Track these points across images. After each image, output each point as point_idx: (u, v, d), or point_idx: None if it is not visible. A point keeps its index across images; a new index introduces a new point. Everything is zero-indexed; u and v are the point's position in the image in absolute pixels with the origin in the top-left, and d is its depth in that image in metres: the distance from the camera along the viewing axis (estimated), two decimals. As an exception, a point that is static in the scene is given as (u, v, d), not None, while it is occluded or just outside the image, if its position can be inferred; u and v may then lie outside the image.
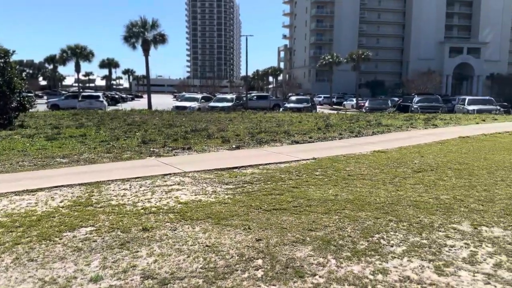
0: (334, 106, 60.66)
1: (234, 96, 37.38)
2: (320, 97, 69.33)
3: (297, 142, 11.45)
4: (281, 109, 35.96)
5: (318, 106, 48.98)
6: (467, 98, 31.31)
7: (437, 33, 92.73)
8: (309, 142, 11.57)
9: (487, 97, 33.42)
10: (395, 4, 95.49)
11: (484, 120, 18.34)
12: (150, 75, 43.94)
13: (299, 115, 22.22)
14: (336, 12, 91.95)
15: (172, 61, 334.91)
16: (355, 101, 56.67)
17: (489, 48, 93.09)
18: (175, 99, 66.68)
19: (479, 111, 26.61)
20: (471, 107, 28.08)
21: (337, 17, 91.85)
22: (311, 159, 8.61)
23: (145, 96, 45.16)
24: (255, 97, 45.26)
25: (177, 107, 30.15)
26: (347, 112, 28.87)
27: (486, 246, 4.03)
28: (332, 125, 15.78)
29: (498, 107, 29.29)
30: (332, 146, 10.78)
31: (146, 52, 38.49)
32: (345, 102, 61.85)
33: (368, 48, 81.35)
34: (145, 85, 61.07)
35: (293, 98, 37.80)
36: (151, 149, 10.04)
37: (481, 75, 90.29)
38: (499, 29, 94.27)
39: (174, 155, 9.36)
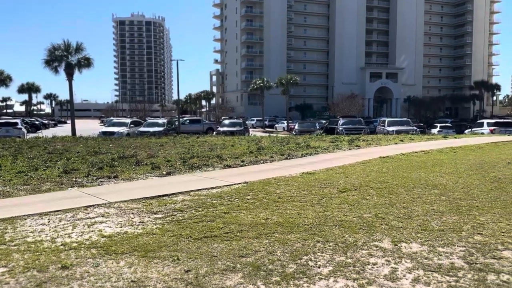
0: (266, 129, 61.96)
1: (165, 121, 36.73)
2: (253, 120, 70.60)
3: (229, 166, 11.46)
4: (214, 133, 35.98)
5: (251, 129, 49.69)
6: (387, 120, 33.51)
7: (358, 59, 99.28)
8: (242, 166, 11.64)
9: (405, 119, 36.08)
10: (319, 32, 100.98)
11: (402, 140, 19.70)
12: (75, 100, 41.98)
13: (232, 138, 22.34)
14: (265, 39, 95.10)
15: (99, 84, 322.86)
16: (286, 124, 58.35)
17: (405, 73, 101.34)
18: (102, 124, 64.08)
19: (398, 132, 28.52)
20: (390, 128, 30.04)
21: (266, 43, 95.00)
22: (243, 183, 8.65)
23: (69, 121, 42.90)
24: (187, 121, 44.87)
25: (104, 133, 28.96)
26: (278, 135, 29.58)
27: (406, 262, 4.27)
28: (264, 148, 16.04)
29: (415, 128, 31.69)
30: (264, 169, 10.93)
31: (69, 76, 36.79)
32: (276, 125, 63.50)
33: (296, 73, 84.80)
34: (69, 110, 58.06)
35: (226, 121, 38.05)
36: (74, 179, 9.49)
37: (399, 98, 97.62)
38: (413, 56, 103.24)
39: (98, 184, 8.92)
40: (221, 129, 34.20)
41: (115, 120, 38.74)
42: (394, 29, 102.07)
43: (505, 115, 75.83)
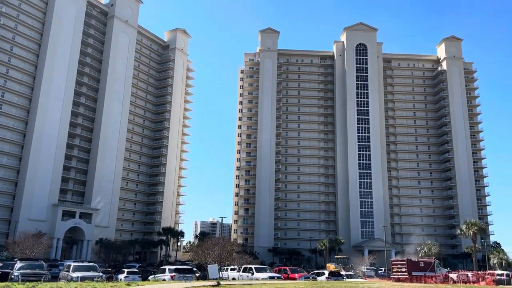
0: None
1: None
2: None
3: None
4: None
5: None
6: (72, 264, 31.52)
7: (52, 195, 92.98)
8: None
9: (92, 264, 34.79)
10: (9, 160, 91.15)
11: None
12: None
13: None
14: None
15: None
16: None
17: (100, 214, 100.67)
18: None
19: (83, 278, 27.05)
20: (75, 274, 28.29)
21: None
22: None
23: None
24: None
25: None
26: None
27: None
28: None
29: (101, 274, 30.56)
30: None
31: None
32: None
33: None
34: None
35: None
36: None
37: (91, 239, 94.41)
38: (110, 198, 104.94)
39: None
40: None
41: None
42: (93, 169, 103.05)
43: (186, 260, 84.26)
